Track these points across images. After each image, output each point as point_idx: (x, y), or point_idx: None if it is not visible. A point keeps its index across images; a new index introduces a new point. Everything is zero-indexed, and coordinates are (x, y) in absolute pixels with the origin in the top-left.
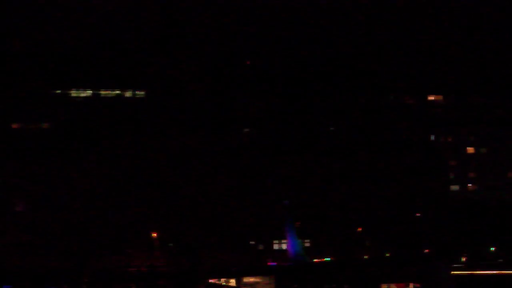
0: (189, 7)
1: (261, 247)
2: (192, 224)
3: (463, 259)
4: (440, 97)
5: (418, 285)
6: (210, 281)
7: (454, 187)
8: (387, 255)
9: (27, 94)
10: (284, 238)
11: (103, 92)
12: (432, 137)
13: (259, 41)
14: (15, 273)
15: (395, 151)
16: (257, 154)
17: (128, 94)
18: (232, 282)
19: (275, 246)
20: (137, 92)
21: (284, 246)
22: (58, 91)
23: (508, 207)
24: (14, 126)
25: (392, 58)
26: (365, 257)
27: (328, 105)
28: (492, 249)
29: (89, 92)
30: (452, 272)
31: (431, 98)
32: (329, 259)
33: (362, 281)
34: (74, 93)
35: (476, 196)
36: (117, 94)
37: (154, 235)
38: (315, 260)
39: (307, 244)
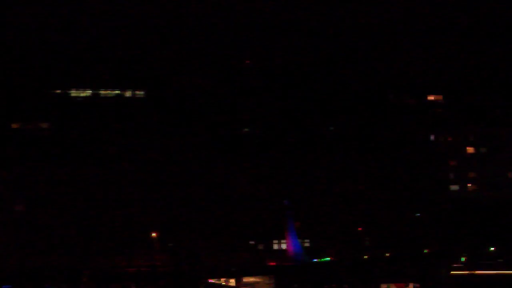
0: (189, 6)
1: (261, 247)
2: (192, 224)
3: (463, 259)
4: (440, 97)
5: (418, 285)
6: (210, 281)
7: (454, 187)
8: (387, 255)
9: (27, 94)
10: (284, 238)
11: (103, 92)
12: (432, 137)
13: (258, 41)
14: (15, 273)
15: (395, 151)
16: (257, 154)
17: (128, 94)
18: (232, 282)
19: (275, 246)
20: (137, 92)
21: (284, 246)
22: (58, 91)
23: (508, 207)
24: (14, 126)
25: (393, 58)
26: (365, 257)
27: (328, 105)
28: (492, 249)
29: (89, 92)
30: (452, 272)
31: (431, 98)
32: (329, 259)
33: (362, 281)
34: (74, 93)
35: (476, 196)
36: (117, 94)
37: (154, 235)
38: (315, 260)
39: (307, 244)
